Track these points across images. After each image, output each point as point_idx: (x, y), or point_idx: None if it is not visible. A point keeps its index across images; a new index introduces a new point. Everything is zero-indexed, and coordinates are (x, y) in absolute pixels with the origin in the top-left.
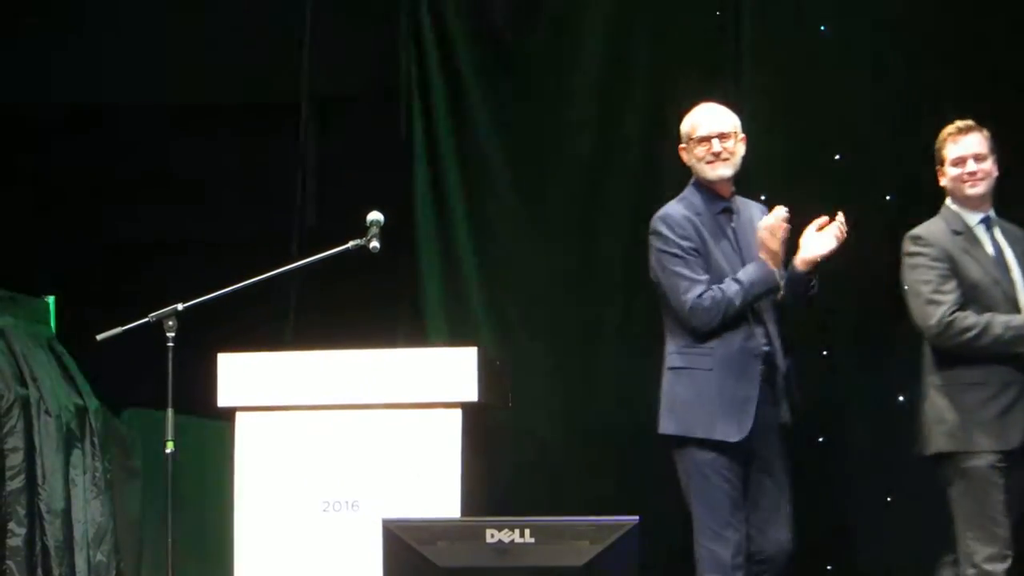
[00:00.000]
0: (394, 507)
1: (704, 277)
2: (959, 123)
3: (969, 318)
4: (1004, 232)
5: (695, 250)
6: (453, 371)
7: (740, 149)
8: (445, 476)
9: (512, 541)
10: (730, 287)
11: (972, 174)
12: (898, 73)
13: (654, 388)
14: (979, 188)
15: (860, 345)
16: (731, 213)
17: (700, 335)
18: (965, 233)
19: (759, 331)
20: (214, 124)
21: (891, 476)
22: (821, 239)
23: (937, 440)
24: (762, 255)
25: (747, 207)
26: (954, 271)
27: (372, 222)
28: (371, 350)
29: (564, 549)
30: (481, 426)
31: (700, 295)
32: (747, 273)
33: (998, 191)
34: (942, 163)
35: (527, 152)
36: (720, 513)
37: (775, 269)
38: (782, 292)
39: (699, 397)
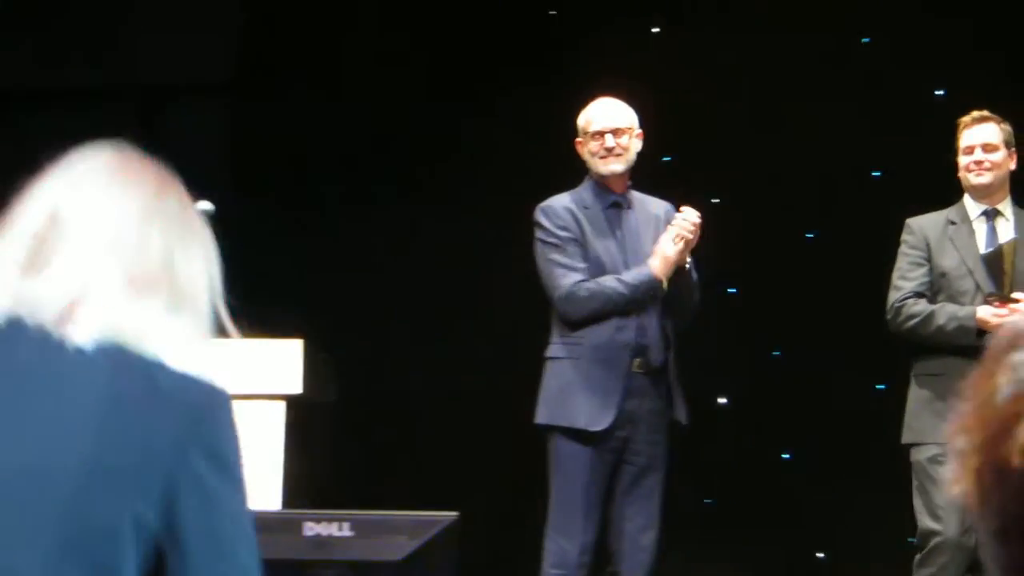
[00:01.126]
0: None
1: (582, 266)
2: (975, 112)
3: (917, 305)
4: (1019, 227)
5: (574, 240)
6: (277, 363)
7: (635, 145)
8: (267, 468)
9: (330, 535)
10: (610, 283)
11: (979, 163)
12: None
13: (481, 380)
14: (984, 178)
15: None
16: (621, 208)
17: (572, 324)
18: (960, 224)
19: (631, 323)
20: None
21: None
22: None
23: (903, 431)
24: (655, 259)
25: (646, 204)
26: (928, 259)
27: (200, 212)
28: None
29: (382, 543)
30: (305, 419)
31: (576, 283)
32: (632, 275)
33: None
34: (957, 152)
35: (347, 144)
36: (573, 507)
37: (661, 278)
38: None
39: (568, 386)
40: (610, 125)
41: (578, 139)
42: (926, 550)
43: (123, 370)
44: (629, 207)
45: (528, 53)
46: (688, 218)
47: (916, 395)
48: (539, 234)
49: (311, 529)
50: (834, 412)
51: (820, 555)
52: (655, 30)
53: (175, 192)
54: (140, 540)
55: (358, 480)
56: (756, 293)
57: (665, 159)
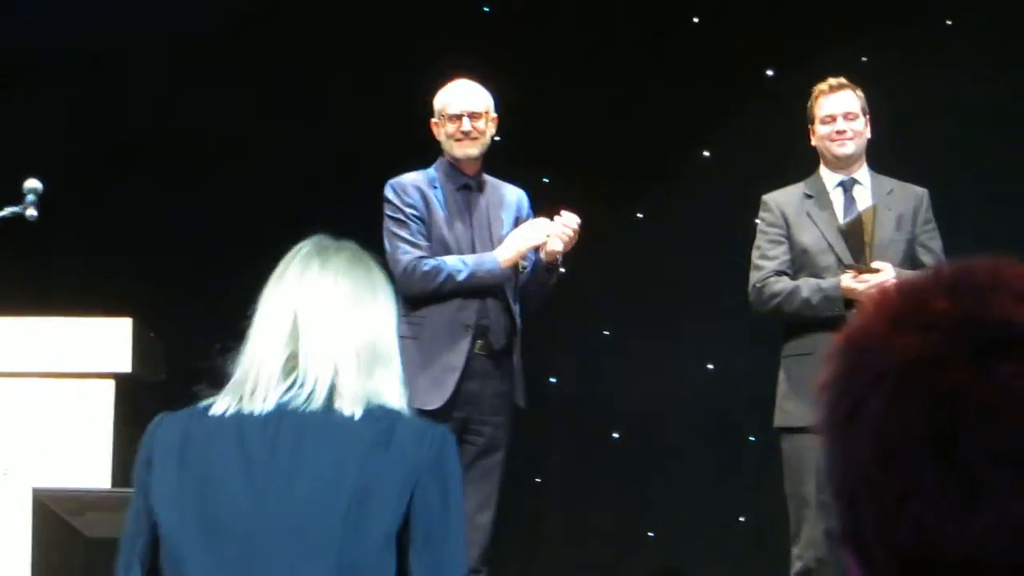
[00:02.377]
0: (45, 477)
1: (424, 244)
2: (832, 80)
3: (779, 283)
4: (876, 194)
5: (419, 218)
6: (106, 342)
7: (491, 129)
8: (96, 447)
9: None
10: (454, 264)
11: (841, 133)
12: None
13: None
14: (847, 148)
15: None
16: (471, 191)
17: (410, 302)
18: (817, 196)
19: (474, 305)
20: None
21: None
22: (533, 231)
23: (775, 414)
24: (505, 248)
25: (499, 189)
26: (787, 236)
27: (29, 190)
28: (22, 318)
29: None
30: (134, 397)
31: (416, 259)
32: (476, 259)
33: None
34: (812, 121)
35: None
36: None
37: (506, 267)
38: (525, 272)
39: (408, 366)
40: (467, 108)
41: (433, 120)
42: (802, 541)
43: (372, 422)
44: (480, 190)
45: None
46: (568, 224)
47: (786, 376)
48: (386, 209)
49: None
50: (663, 392)
51: (651, 534)
52: (486, 9)
53: (366, 269)
54: (392, 548)
55: None
56: (586, 274)
57: (495, 138)
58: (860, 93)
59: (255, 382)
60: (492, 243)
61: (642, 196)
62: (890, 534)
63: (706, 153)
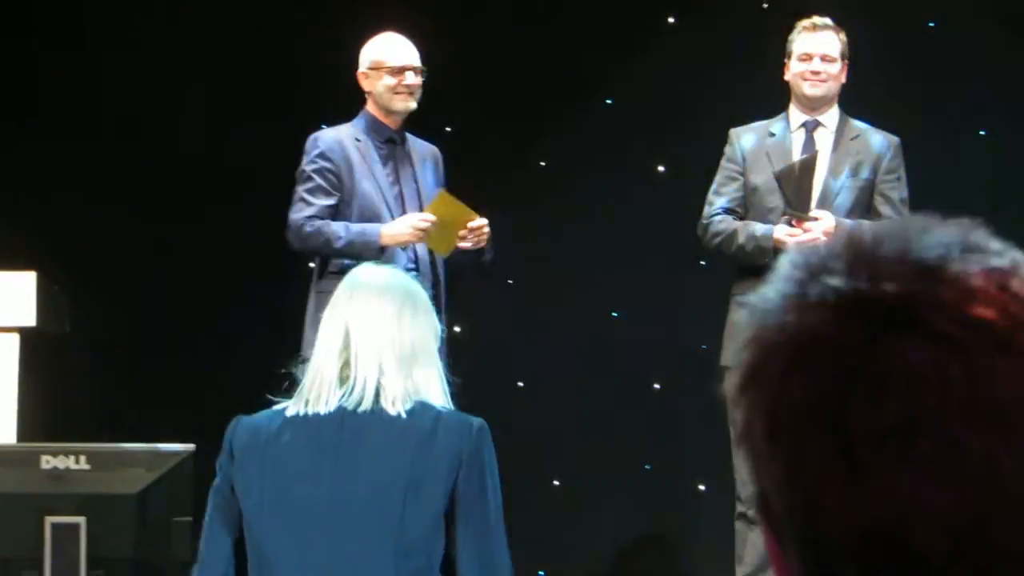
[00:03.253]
0: None
1: (319, 203)
2: (817, 19)
3: (723, 223)
4: (841, 137)
5: (330, 172)
6: (10, 296)
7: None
8: (1, 401)
9: (67, 467)
10: (334, 228)
11: (815, 73)
12: None
13: (227, 313)
14: (819, 89)
15: None
16: (395, 144)
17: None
18: (780, 136)
19: (404, 254)
20: None
21: None
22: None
23: (722, 352)
24: (391, 226)
25: (418, 145)
26: (742, 173)
27: None
28: None
29: (119, 476)
30: (39, 352)
31: (305, 218)
32: (362, 231)
33: None
34: (789, 56)
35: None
36: None
37: (384, 244)
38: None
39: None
40: (410, 62)
41: (362, 72)
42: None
43: (417, 419)
44: (403, 143)
45: None
46: (483, 231)
47: (734, 318)
48: (302, 161)
49: (48, 462)
50: (567, 341)
51: (556, 483)
52: None
53: (405, 288)
54: (441, 529)
55: (94, 413)
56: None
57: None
58: (843, 37)
59: (318, 388)
60: (419, 196)
61: (547, 145)
62: (785, 509)
63: (608, 101)
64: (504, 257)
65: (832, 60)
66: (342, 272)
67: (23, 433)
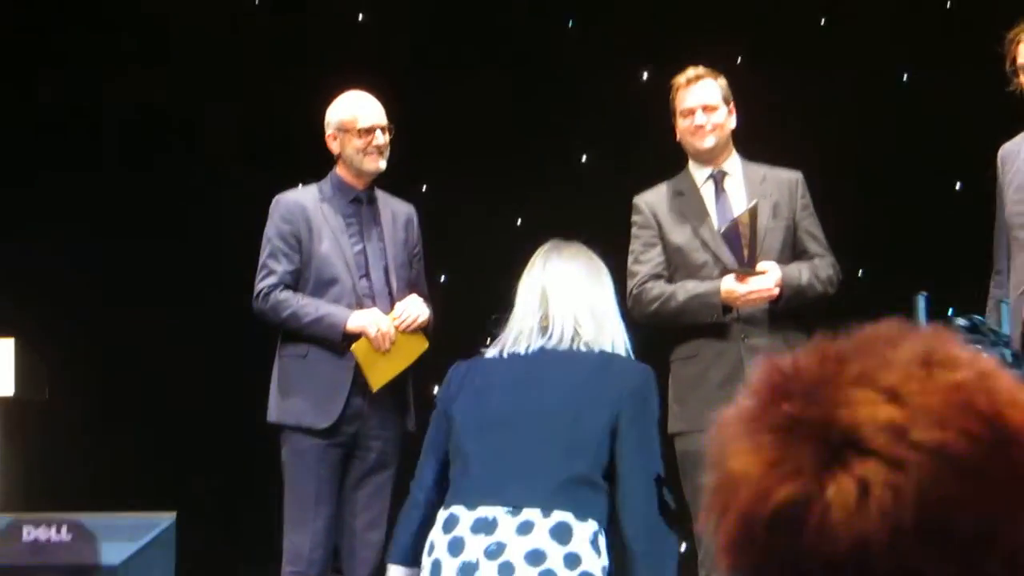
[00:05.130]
0: None
1: (282, 269)
2: (690, 71)
3: (656, 288)
4: (749, 183)
5: (293, 236)
6: None
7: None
8: None
9: (49, 539)
10: (303, 307)
11: (700, 127)
12: None
13: (215, 376)
14: (709, 141)
15: None
16: (362, 204)
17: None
18: (688, 193)
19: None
20: None
21: None
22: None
23: (669, 420)
24: (359, 317)
25: (390, 202)
26: (660, 237)
27: None
28: None
29: (101, 547)
30: (19, 420)
31: (269, 287)
32: (330, 315)
33: None
34: (674, 115)
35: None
36: (303, 504)
37: (348, 330)
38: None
39: (296, 384)
40: (379, 122)
41: (331, 132)
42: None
43: (597, 357)
44: (371, 203)
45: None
46: (415, 321)
47: (676, 380)
48: (267, 227)
49: (30, 534)
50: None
51: None
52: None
53: (589, 257)
54: (608, 438)
55: (75, 483)
56: (468, 281)
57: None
58: (722, 81)
59: (518, 334)
60: (386, 256)
61: (521, 202)
62: None
63: (584, 158)
64: (483, 318)
65: (713, 108)
66: (308, 339)
67: (4, 503)
